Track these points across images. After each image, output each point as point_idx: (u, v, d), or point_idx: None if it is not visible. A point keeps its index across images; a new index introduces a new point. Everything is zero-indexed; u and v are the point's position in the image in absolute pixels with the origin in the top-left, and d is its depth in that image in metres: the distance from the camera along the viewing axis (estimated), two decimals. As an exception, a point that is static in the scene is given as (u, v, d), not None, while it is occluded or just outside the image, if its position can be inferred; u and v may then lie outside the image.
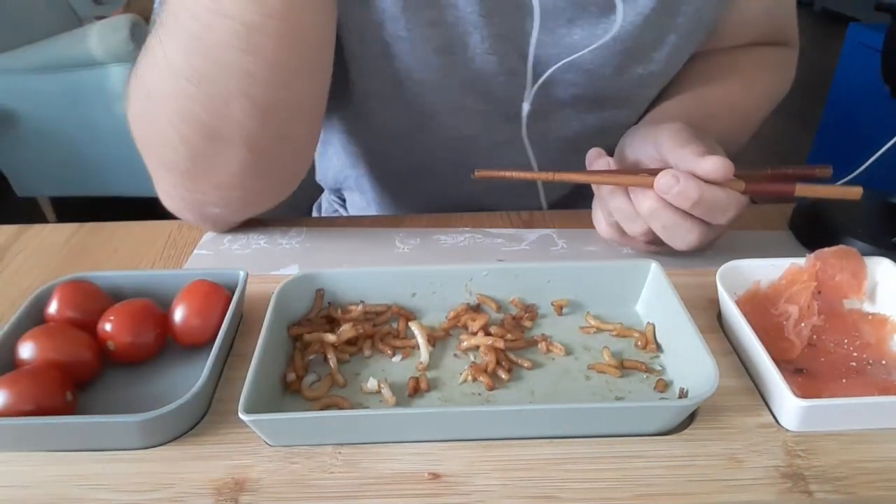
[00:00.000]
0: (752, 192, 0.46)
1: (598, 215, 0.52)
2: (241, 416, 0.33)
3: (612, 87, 0.58)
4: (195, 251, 0.55)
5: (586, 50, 0.54)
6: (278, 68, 0.43)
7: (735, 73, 0.65)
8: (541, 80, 0.55)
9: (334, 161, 0.72)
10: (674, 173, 0.44)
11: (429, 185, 0.67)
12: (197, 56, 0.41)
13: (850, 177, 0.57)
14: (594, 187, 0.51)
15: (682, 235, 0.46)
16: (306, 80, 0.46)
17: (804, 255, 0.44)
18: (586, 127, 0.62)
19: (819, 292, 0.43)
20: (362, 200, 0.73)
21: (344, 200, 0.77)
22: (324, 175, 0.76)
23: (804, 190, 0.46)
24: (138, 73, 0.46)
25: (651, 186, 0.45)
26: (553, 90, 0.58)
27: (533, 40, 0.53)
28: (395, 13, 0.51)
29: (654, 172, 0.45)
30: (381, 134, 0.63)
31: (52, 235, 0.58)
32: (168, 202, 0.53)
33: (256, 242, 0.57)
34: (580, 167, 0.51)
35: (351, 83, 0.58)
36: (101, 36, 1.81)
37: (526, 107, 0.57)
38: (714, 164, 0.43)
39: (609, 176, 0.48)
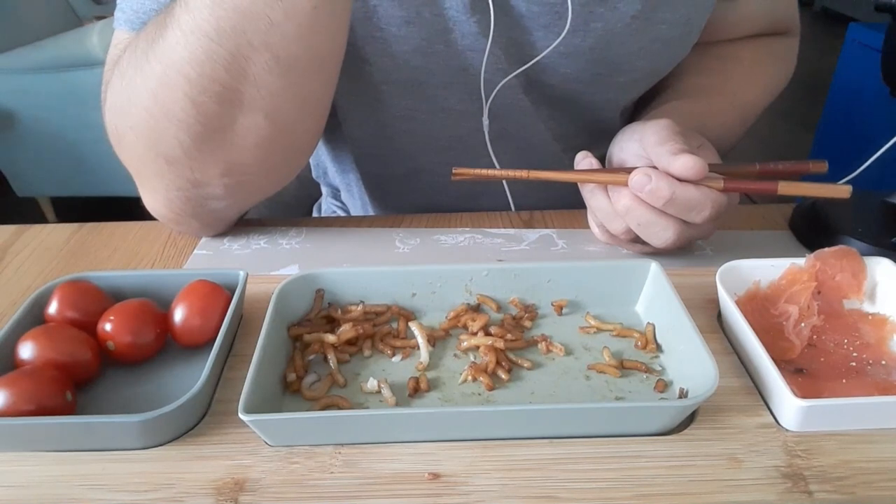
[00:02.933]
0: (732, 191, 0.45)
1: (589, 217, 0.52)
2: (241, 416, 0.33)
3: (590, 93, 0.59)
4: (195, 251, 0.55)
5: (539, 56, 0.53)
6: (301, 16, 0.41)
7: (737, 65, 0.64)
8: (498, 88, 0.55)
9: (326, 164, 0.72)
10: (646, 171, 0.44)
11: (416, 188, 0.66)
12: (220, 7, 0.40)
13: (850, 177, 0.56)
14: (581, 189, 0.51)
15: (658, 233, 0.46)
16: (329, 37, 0.44)
17: (804, 255, 0.44)
18: (567, 129, 0.62)
19: (819, 292, 0.43)
20: (355, 203, 0.73)
21: (342, 203, 0.77)
22: (320, 174, 0.76)
23: (789, 188, 0.44)
24: (150, 55, 0.44)
25: (626, 184, 0.45)
26: (531, 93, 0.58)
27: (489, 43, 0.52)
28: (364, 15, 0.50)
29: (632, 171, 0.45)
30: (361, 137, 0.63)
31: (52, 235, 0.58)
32: (162, 209, 0.51)
33: (256, 242, 0.57)
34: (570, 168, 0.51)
35: None
36: (101, 36, 1.81)
37: (486, 121, 0.57)
38: (686, 163, 0.43)
39: (586, 174, 0.48)
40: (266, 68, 0.42)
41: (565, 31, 0.51)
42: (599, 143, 0.53)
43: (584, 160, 0.49)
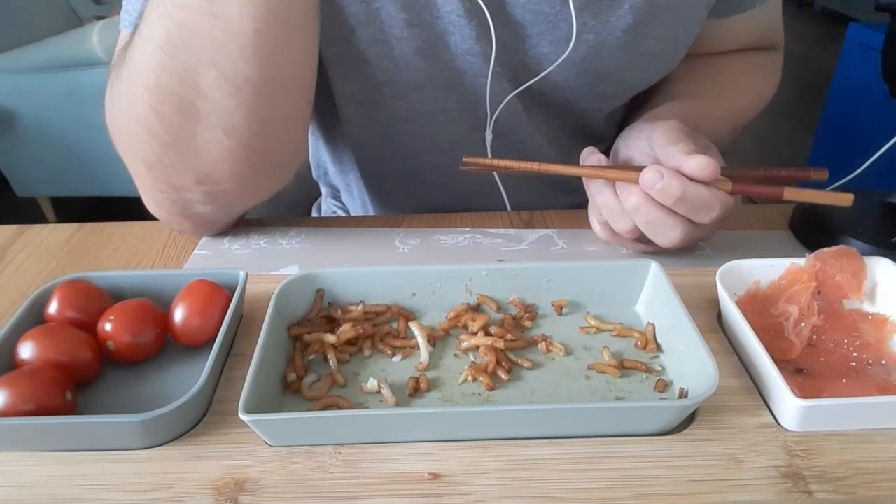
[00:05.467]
0: (739, 193, 0.46)
1: (592, 215, 0.52)
2: (241, 416, 0.33)
3: (578, 101, 0.59)
4: (195, 251, 0.55)
5: (545, 72, 0.54)
6: (242, 37, 0.41)
7: (727, 75, 0.66)
8: (505, 102, 0.56)
9: (327, 165, 0.72)
10: (658, 169, 0.44)
11: (416, 188, 0.67)
12: (169, 20, 0.41)
13: (850, 177, 0.57)
14: (585, 187, 0.51)
15: (665, 232, 0.46)
16: (282, 62, 0.44)
17: (804, 255, 0.44)
18: (557, 133, 0.63)
19: (819, 292, 0.43)
20: (355, 203, 0.73)
21: (342, 203, 0.78)
22: (320, 175, 0.76)
23: (793, 194, 0.45)
24: (124, 60, 0.45)
25: (636, 182, 0.45)
26: (521, 98, 0.58)
27: (493, 52, 0.52)
28: (367, 18, 0.51)
29: (642, 169, 0.45)
30: (363, 138, 0.63)
31: (52, 235, 0.58)
32: (155, 208, 0.52)
33: (256, 242, 0.57)
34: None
35: (329, 88, 0.57)
36: (101, 36, 1.81)
37: (489, 135, 0.58)
38: (699, 163, 0.43)
39: (596, 170, 0.48)
40: (216, 86, 0.43)
41: (570, 47, 0.52)
42: (591, 146, 0.54)
43: (592, 156, 0.49)
